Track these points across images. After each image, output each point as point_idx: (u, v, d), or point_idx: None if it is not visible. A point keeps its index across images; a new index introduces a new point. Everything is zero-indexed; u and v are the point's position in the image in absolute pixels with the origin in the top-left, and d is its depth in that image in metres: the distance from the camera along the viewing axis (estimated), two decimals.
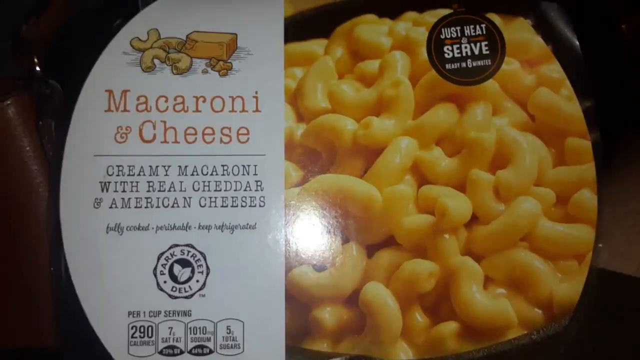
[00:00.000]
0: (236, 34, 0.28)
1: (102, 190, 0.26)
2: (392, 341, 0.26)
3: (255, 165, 0.27)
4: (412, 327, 0.26)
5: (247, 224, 0.26)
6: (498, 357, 0.26)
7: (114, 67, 0.27)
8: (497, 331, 0.26)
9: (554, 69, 0.28)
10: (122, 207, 0.26)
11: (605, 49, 0.30)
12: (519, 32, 0.28)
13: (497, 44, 0.28)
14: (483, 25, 0.28)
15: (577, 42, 0.28)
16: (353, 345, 0.26)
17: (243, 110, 0.27)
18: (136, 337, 0.26)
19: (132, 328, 0.26)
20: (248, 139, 0.27)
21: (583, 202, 0.27)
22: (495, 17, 0.28)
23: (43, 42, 0.28)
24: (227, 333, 0.26)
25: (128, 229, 0.26)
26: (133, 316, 0.26)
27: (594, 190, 0.27)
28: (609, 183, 0.32)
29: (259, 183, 0.27)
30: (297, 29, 0.28)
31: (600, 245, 0.26)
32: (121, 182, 0.26)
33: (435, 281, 0.26)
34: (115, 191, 0.26)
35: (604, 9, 0.31)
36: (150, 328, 0.26)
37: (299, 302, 0.26)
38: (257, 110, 0.27)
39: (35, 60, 0.28)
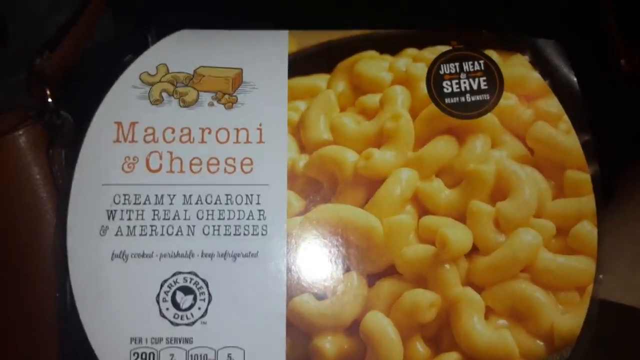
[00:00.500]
0: (241, 69, 0.29)
1: (109, 218, 0.27)
2: None
3: (259, 195, 0.27)
4: (413, 358, 0.26)
5: (250, 252, 0.27)
6: None
7: (123, 100, 0.28)
8: None
9: (552, 104, 0.28)
10: (128, 235, 0.27)
11: (604, 84, 0.31)
12: (516, 67, 0.29)
13: (495, 79, 0.29)
14: (481, 61, 0.29)
15: (574, 78, 0.29)
16: None
17: (247, 142, 0.28)
18: None
19: (134, 354, 0.26)
20: (252, 169, 0.27)
21: (583, 234, 0.27)
22: (493, 54, 0.29)
23: (56, 75, 0.29)
24: None
25: (133, 256, 0.26)
26: (135, 343, 0.26)
27: (594, 223, 0.27)
28: (610, 214, 0.32)
29: (261, 212, 0.27)
30: (301, 64, 0.29)
31: (602, 276, 0.26)
32: (127, 210, 0.27)
33: (437, 311, 0.26)
34: (121, 219, 0.27)
35: (602, 44, 0.32)
36: (152, 355, 0.26)
37: (300, 331, 0.26)
38: (260, 141, 0.28)
39: (48, 92, 0.29)
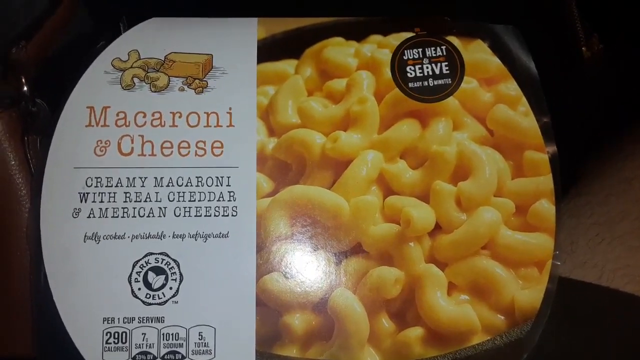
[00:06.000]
0: (212, 55, 0.26)
1: (81, 201, 0.24)
2: (359, 346, 0.24)
3: (229, 177, 0.25)
4: (379, 332, 0.24)
5: (220, 233, 0.25)
6: None
7: (95, 85, 0.26)
8: (462, 336, 0.24)
9: (511, 87, 0.26)
10: (100, 217, 0.24)
11: (562, 69, 0.29)
12: (477, 53, 0.27)
13: (456, 64, 0.27)
14: (443, 47, 0.27)
15: (533, 62, 0.27)
16: (322, 350, 0.24)
17: (217, 125, 0.26)
18: (110, 343, 0.23)
19: (106, 334, 0.23)
20: (222, 152, 0.25)
21: (541, 211, 0.25)
22: (454, 40, 0.27)
23: (31, 65, 0.27)
24: (199, 339, 0.24)
25: (105, 237, 0.24)
26: (108, 322, 0.23)
27: (552, 201, 0.25)
28: (574, 196, 0.30)
29: (231, 194, 0.25)
30: (269, 50, 0.27)
31: (558, 252, 0.25)
32: (99, 193, 0.25)
33: (401, 287, 0.24)
34: (94, 201, 0.24)
35: (562, 31, 0.30)
36: (124, 334, 0.24)
37: (269, 309, 0.24)
38: (230, 125, 0.26)
39: (23, 80, 0.27)
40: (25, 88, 0.27)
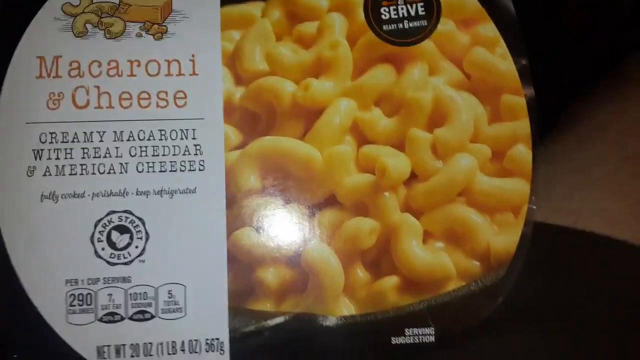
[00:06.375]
0: None
1: (36, 158, 0.23)
2: (334, 297, 0.23)
3: (194, 129, 0.23)
4: (354, 283, 0.23)
5: (187, 189, 0.23)
6: (438, 308, 0.24)
7: (45, 33, 0.23)
8: (437, 283, 0.23)
9: (489, 29, 0.25)
10: (57, 175, 0.23)
11: (544, 14, 0.28)
12: None
13: (432, 5, 0.25)
14: None
15: (512, 4, 0.26)
16: (296, 303, 0.23)
17: (180, 74, 0.24)
18: (75, 306, 0.22)
19: (70, 296, 0.22)
20: (186, 102, 0.23)
21: (518, 156, 0.24)
22: None
23: None
24: (169, 297, 0.23)
25: (63, 196, 0.23)
26: (71, 284, 0.22)
27: (529, 146, 0.24)
28: (550, 142, 0.30)
29: (197, 147, 0.23)
30: None
31: (534, 198, 0.24)
32: (55, 149, 0.23)
33: (376, 237, 0.24)
34: (49, 159, 0.23)
35: None
36: (89, 296, 0.22)
37: (242, 264, 0.23)
38: (194, 73, 0.24)
39: None
40: None
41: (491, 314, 0.24)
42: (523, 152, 0.24)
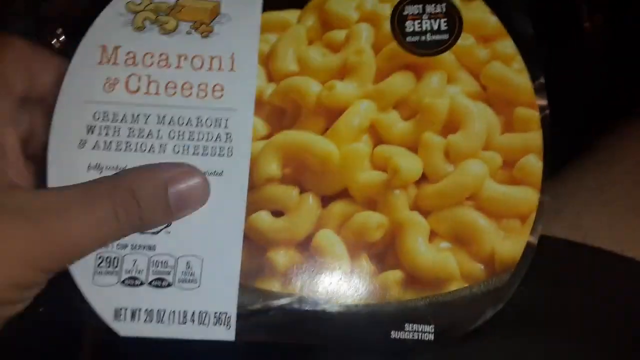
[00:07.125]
0: (219, 1, 0.27)
1: (88, 133, 0.25)
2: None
3: (227, 119, 0.26)
4: (358, 272, 0.24)
5: (215, 171, 0.25)
6: (439, 307, 0.24)
7: (109, 26, 0.27)
8: (439, 282, 0.24)
9: (507, 45, 0.26)
10: (104, 149, 0.25)
11: (563, 38, 0.28)
12: (476, 11, 0.27)
13: (455, 21, 0.26)
14: (443, 4, 0.27)
15: (530, 25, 0.27)
16: (302, 286, 0.24)
17: (220, 69, 0.26)
18: (102, 267, 0.24)
19: (99, 258, 0.24)
20: (222, 94, 0.26)
21: (528, 166, 0.25)
22: None
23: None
24: (187, 268, 0.24)
25: (107, 168, 0.25)
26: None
27: (540, 156, 0.25)
28: (563, 163, 0.30)
29: (228, 135, 0.26)
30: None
31: (543, 211, 0.24)
32: (105, 126, 0.26)
33: (384, 232, 0.24)
34: (99, 134, 0.25)
35: (567, 6, 0.29)
36: (116, 259, 0.24)
37: (256, 244, 0.25)
38: (232, 69, 0.26)
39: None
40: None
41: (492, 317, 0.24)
42: (533, 162, 0.25)
